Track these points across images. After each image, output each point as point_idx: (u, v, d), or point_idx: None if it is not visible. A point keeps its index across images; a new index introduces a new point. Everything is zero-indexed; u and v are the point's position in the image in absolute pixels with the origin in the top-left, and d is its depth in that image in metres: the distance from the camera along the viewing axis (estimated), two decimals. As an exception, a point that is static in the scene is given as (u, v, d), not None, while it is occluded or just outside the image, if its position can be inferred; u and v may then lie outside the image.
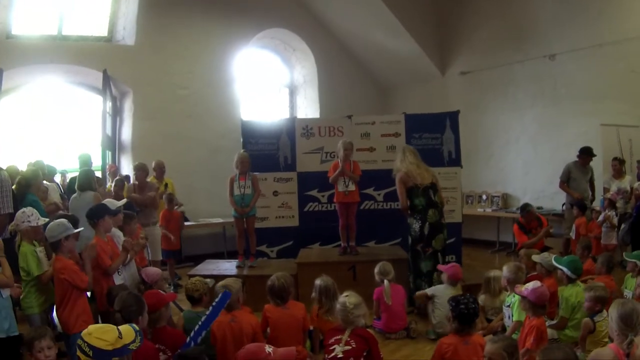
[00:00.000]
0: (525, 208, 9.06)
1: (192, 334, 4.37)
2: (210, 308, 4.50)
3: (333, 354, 4.56)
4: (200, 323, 4.42)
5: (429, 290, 6.66)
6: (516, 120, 12.15)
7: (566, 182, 10.02)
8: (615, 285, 6.27)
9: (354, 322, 4.71)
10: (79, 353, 3.15)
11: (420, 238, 7.42)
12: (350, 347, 4.58)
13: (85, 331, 3.23)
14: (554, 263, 6.13)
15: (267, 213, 9.50)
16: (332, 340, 4.65)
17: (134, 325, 3.46)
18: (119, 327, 3.32)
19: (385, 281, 6.51)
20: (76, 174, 8.21)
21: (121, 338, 3.21)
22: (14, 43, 10.28)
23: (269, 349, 3.76)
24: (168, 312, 5.15)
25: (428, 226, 7.40)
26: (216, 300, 4.59)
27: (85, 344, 3.13)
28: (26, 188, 6.88)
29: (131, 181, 9.47)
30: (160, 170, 9.63)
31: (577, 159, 9.97)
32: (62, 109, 11.87)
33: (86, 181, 7.31)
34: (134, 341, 3.30)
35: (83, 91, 11.80)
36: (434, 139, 9.55)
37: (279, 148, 9.61)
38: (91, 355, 3.11)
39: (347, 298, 4.84)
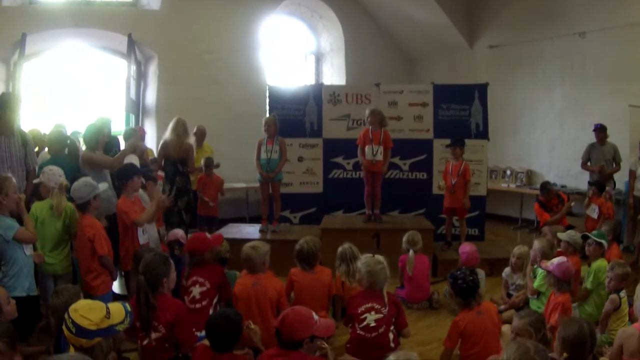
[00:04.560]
0: (546, 187, 8.97)
1: None
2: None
3: (365, 323, 4.54)
4: None
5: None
6: (544, 97, 11.92)
7: (587, 162, 9.91)
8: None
9: (379, 283, 4.71)
10: (64, 327, 3.03)
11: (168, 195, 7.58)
12: (382, 315, 4.57)
13: (72, 306, 3.08)
14: (591, 236, 6.10)
15: (292, 179, 9.51)
16: (363, 308, 4.60)
17: (127, 305, 3.29)
18: (109, 306, 3.15)
19: (411, 251, 6.50)
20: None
21: (108, 318, 3.05)
22: (37, 8, 10.26)
23: (315, 316, 3.68)
24: (213, 253, 5.40)
25: (175, 189, 7.87)
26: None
27: (70, 320, 2.99)
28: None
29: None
30: (201, 135, 9.64)
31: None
32: (86, 73, 11.87)
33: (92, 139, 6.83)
34: (122, 322, 3.15)
35: (107, 55, 11.77)
36: (462, 111, 9.47)
37: (306, 114, 9.59)
38: (74, 332, 2.97)
39: (370, 258, 4.85)
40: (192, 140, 8.57)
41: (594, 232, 6.31)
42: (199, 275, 5.06)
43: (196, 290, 5.00)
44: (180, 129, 8.04)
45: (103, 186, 5.59)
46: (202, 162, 8.99)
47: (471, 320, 4.40)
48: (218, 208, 9.22)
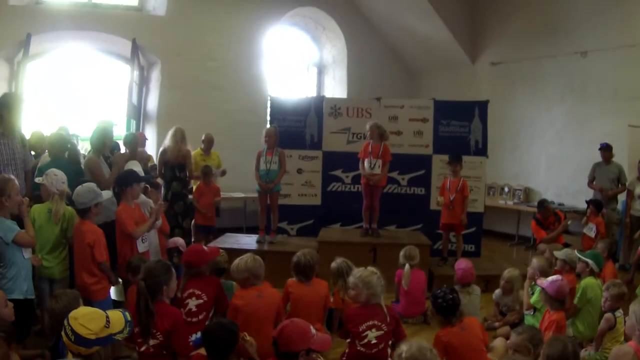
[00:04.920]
0: (543, 204, 8.97)
1: None
2: None
3: (366, 341, 4.53)
4: None
5: None
6: (544, 114, 11.99)
7: (592, 181, 9.95)
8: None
9: (377, 295, 4.67)
10: (62, 333, 3.02)
11: (165, 199, 8.07)
12: (383, 332, 4.57)
13: (72, 313, 3.07)
14: (579, 255, 6.13)
15: (290, 190, 9.51)
16: (364, 326, 4.57)
17: (127, 314, 3.26)
18: (109, 315, 3.13)
19: (407, 265, 6.51)
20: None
21: (108, 327, 3.04)
22: (43, 8, 10.26)
23: (313, 330, 3.68)
24: (208, 267, 5.36)
25: (170, 193, 8.33)
26: None
27: (69, 327, 2.98)
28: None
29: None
30: (208, 142, 9.77)
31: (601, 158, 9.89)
32: (89, 76, 11.87)
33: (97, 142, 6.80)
34: (121, 331, 3.13)
35: (111, 59, 11.79)
36: (462, 127, 9.50)
37: (306, 126, 9.61)
38: (73, 340, 2.96)
39: (363, 270, 4.81)
40: (190, 147, 8.67)
41: (587, 252, 6.35)
42: (196, 288, 5.04)
43: (192, 303, 4.99)
44: (179, 136, 8.41)
45: (106, 194, 5.59)
46: (201, 170, 9.03)
47: (454, 335, 4.41)
48: (215, 217, 9.23)
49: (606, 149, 9.67)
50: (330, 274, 5.94)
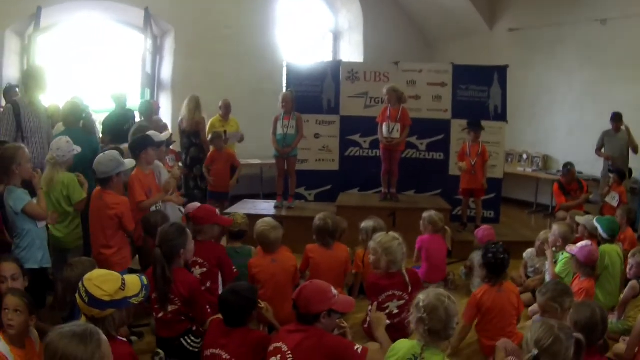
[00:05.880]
0: (567, 167, 8.95)
1: None
2: None
3: (387, 311, 4.49)
4: None
5: (468, 261, 6.65)
6: (562, 82, 11.79)
7: (600, 148, 9.94)
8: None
9: (398, 262, 4.61)
10: (77, 295, 2.93)
11: (184, 165, 8.99)
12: (404, 301, 4.54)
13: (87, 275, 2.97)
14: (595, 223, 6.08)
15: (307, 155, 9.44)
16: (384, 297, 4.55)
17: (144, 278, 3.17)
18: (125, 277, 3.03)
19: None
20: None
21: (123, 290, 2.94)
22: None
23: (334, 291, 3.58)
24: (214, 231, 5.12)
25: (189, 159, 9.02)
26: None
27: (84, 289, 2.88)
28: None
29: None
30: (226, 108, 9.62)
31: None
32: (102, 47, 11.77)
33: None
34: (136, 295, 3.02)
35: (123, 29, 11.68)
36: (481, 92, 9.36)
37: (323, 90, 9.50)
38: (86, 301, 2.87)
39: (384, 235, 4.75)
40: (205, 114, 8.88)
41: (601, 217, 6.37)
42: (198, 255, 4.77)
43: (197, 272, 4.79)
44: (192, 105, 8.94)
45: (130, 163, 5.41)
46: (210, 136, 8.96)
47: (490, 296, 4.39)
48: (228, 184, 8.98)
49: (617, 119, 9.60)
50: (362, 232, 5.82)
